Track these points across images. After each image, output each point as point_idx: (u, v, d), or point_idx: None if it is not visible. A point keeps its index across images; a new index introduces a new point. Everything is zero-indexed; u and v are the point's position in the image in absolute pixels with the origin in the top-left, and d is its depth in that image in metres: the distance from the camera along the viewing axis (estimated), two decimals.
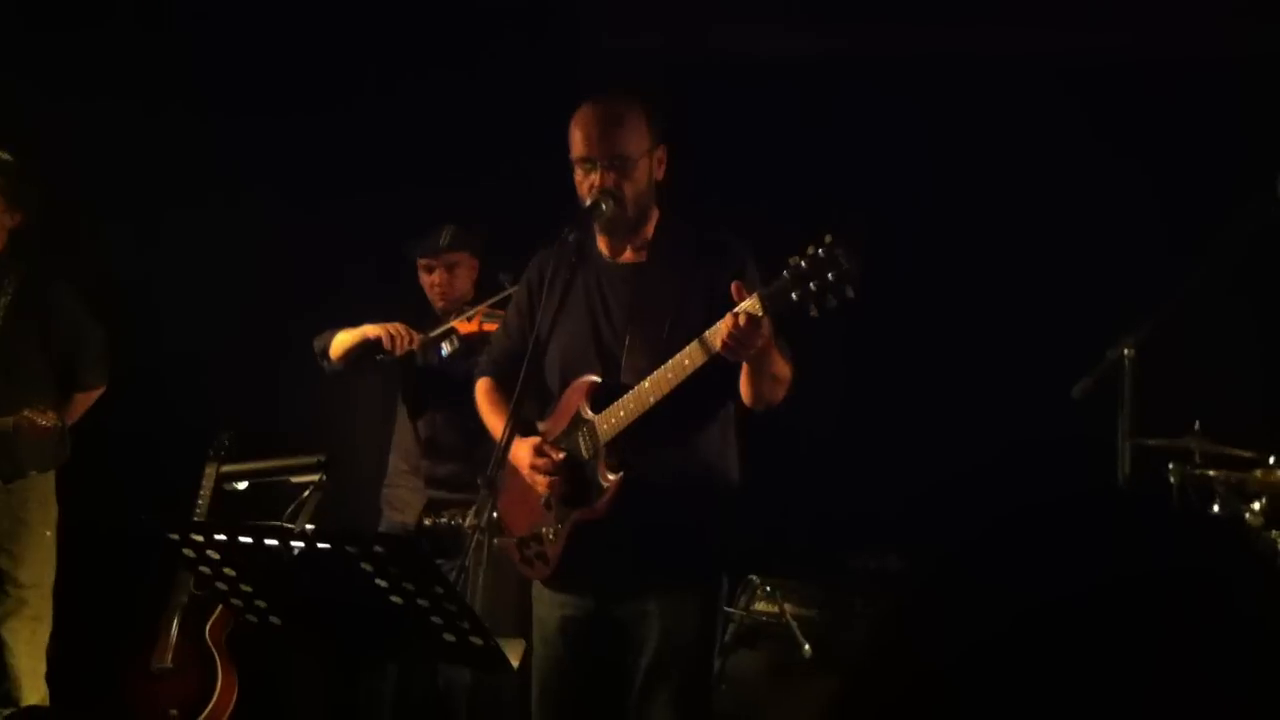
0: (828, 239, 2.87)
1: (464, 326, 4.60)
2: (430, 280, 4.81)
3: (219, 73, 5.52)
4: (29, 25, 5.42)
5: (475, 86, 5.51)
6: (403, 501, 4.74)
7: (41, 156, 4.84)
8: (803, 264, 2.88)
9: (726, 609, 4.47)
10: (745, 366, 3.14)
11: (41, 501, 4.78)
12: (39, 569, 4.76)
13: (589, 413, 3.27)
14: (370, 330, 4.61)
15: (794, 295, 2.89)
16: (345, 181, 5.53)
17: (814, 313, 2.88)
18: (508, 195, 5.13)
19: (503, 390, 3.52)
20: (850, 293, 2.85)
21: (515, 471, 3.32)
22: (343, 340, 4.66)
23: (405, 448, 4.80)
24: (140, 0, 5.55)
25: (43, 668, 4.74)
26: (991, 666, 0.94)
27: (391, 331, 4.55)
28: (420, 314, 4.89)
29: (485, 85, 5.50)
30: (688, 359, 3.08)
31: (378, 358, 4.60)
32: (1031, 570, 0.98)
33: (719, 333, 3.01)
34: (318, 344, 4.74)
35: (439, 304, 4.81)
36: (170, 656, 4.95)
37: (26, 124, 4.94)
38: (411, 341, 4.55)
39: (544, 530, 3.34)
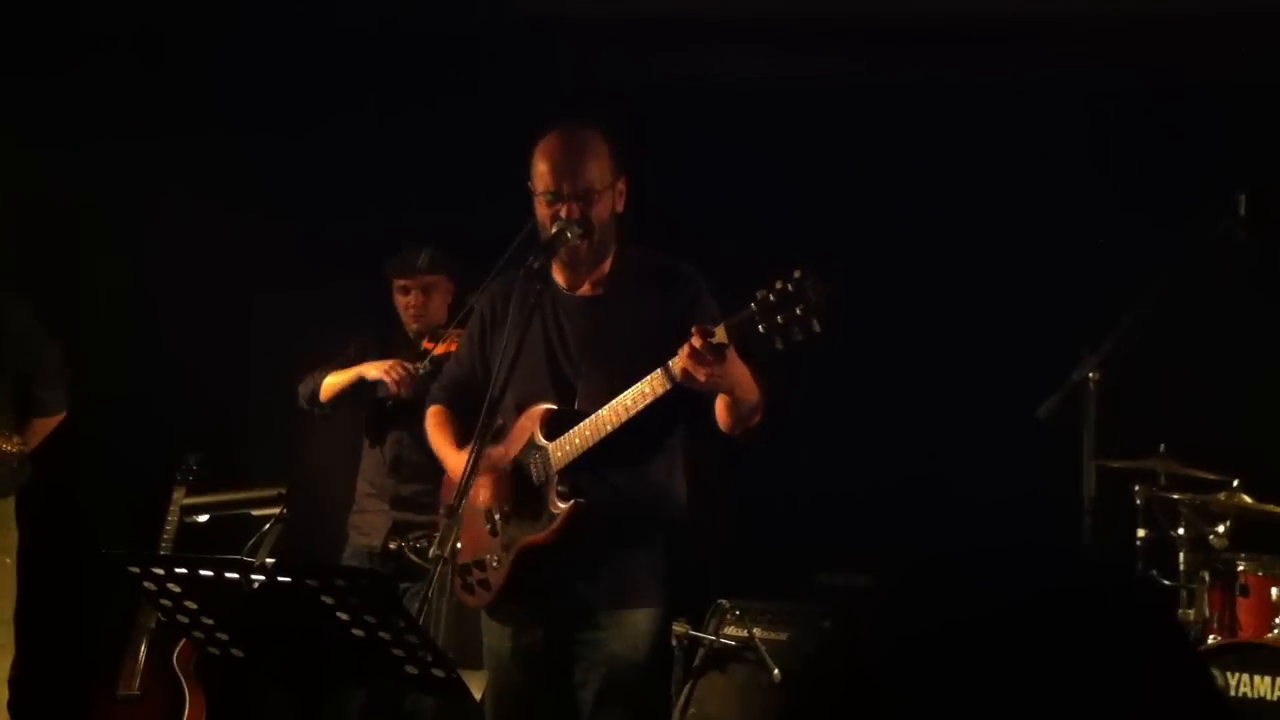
0: (796, 273, 2.87)
1: (437, 349, 4.60)
2: (406, 301, 4.81)
3: (196, 99, 5.51)
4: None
5: (437, 114, 5.51)
6: (369, 525, 4.74)
7: (24, 171, 4.83)
8: (770, 297, 2.87)
9: (695, 633, 4.48)
10: (721, 395, 3.14)
11: (0, 528, 4.74)
12: None
13: (542, 439, 3.27)
14: (368, 371, 4.61)
15: (760, 328, 2.88)
16: (313, 206, 5.53)
17: (779, 345, 2.88)
18: (473, 220, 5.13)
19: (452, 417, 3.52)
20: (817, 327, 2.84)
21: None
22: (334, 382, 4.68)
23: (370, 471, 4.80)
24: (131, 33, 5.52)
25: (4, 695, 4.68)
26: (923, 679, 0.99)
27: (393, 374, 4.54)
28: (388, 334, 4.89)
29: (448, 112, 5.50)
30: (648, 388, 3.08)
31: (388, 405, 4.60)
32: (955, 593, 1.04)
33: (679, 364, 3.01)
34: (304, 389, 4.75)
35: (413, 325, 4.82)
36: (138, 683, 4.92)
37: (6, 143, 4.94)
38: (411, 378, 4.54)
39: (488, 557, 3.33)
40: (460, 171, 5.42)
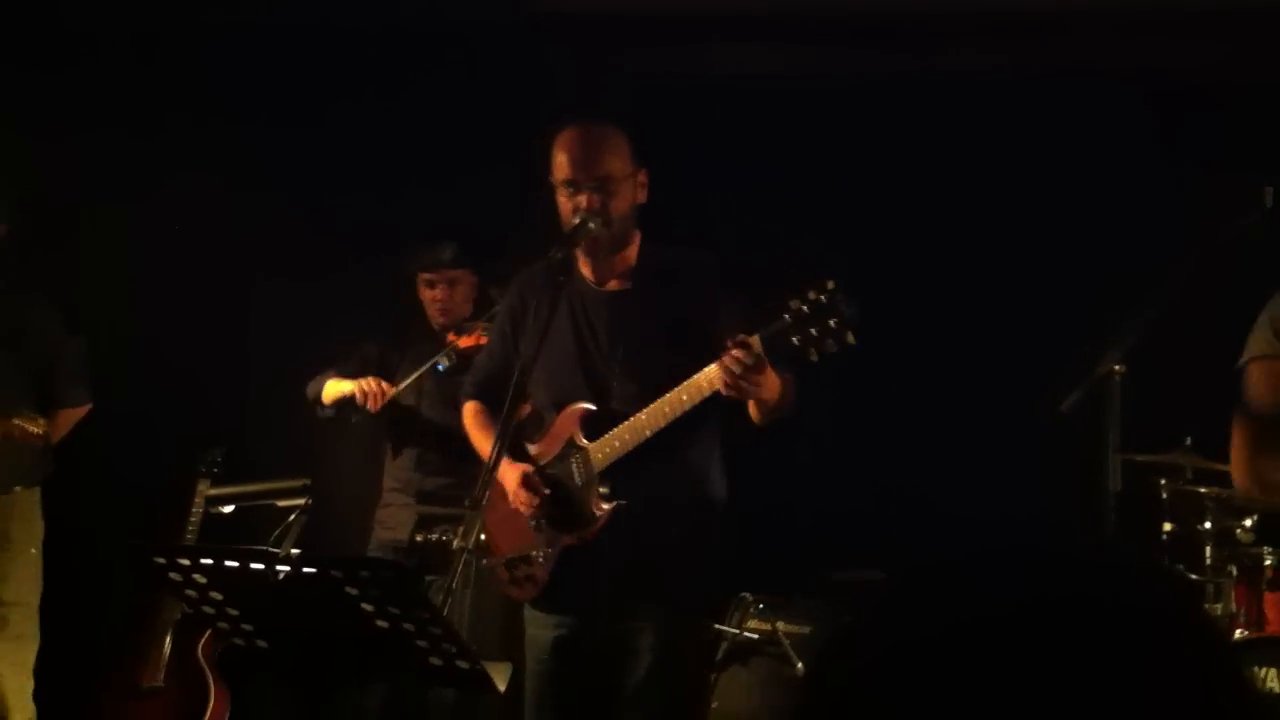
0: (830, 285, 2.89)
1: (462, 342, 4.62)
2: (432, 295, 4.82)
3: (204, 90, 5.52)
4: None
5: (438, 108, 5.50)
6: (394, 520, 4.75)
7: (23, 167, 4.85)
8: (804, 308, 2.90)
9: (719, 626, 4.48)
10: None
11: (26, 518, 4.75)
12: (23, 586, 4.73)
13: (583, 440, 3.30)
14: (346, 386, 4.65)
15: (794, 339, 2.92)
16: (316, 198, 5.53)
17: (814, 357, 2.91)
18: (493, 209, 5.13)
19: (489, 412, 3.55)
20: (851, 339, 2.87)
21: (503, 493, 3.34)
22: (333, 391, 4.71)
23: (395, 468, 4.82)
24: (129, 27, 5.54)
25: (30, 685, 4.70)
26: (922, 685, 1.01)
27: (364, 387, 4.59)
28: (410, 327, 4.90)
29: (462, 101, 5.50)
30: (686, 395, 3.13)
31: (353, 419, 4.65)
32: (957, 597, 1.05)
33: (718, 374, 3.04)
34: (310, 391, 4.78)
35: (439, 320, 4.83)
36: (162, 675, 4.94)
37: (12, 139, 4.96)
38: (383, 396, 4.58)
39: (533, 553, 3.36)
40: (461, 166, 5.42)
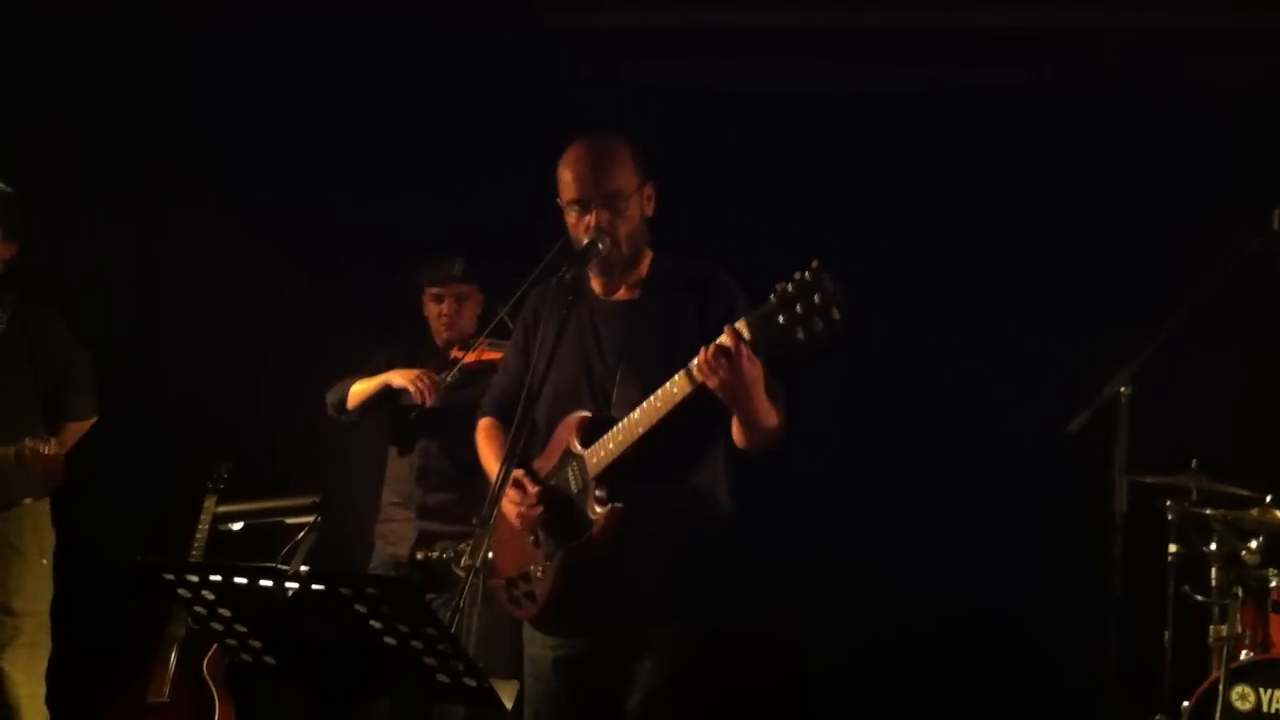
0: (814, 264, 2.87)
1: (467, 358, 4.63)
2: (439, 310, 4.82)
3: (212, 104, 5.54)
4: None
5: (461, 114, 5.52)
6: (395, 534, 4.75)
7: (35, 180, 4.87)
8: (789, 288, 2.87)
9: None
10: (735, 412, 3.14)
11: (36, 529, 4.78)
12: (34, 596, 4.76)
13: (578, 447, 3.27)
14: (394, 379, 4.63)
15: (780, 319, 2.87)
16: (329, 211, 5.54)
17: (801, 336, 2.86)
18: (501, 225, 5.15)
19: (503, 429, 3.53)
20: (836, 315, 2.83)
21: (504, 512, 3.32)
22: (360, 390, 4.70)
23: (396, 480, 4.82)
24: (129, 36, 5.57)
25: (42, 692, 4.74)
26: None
27: (419, 384, 4.56)
28: (417, 342, 4.91)
29: (471, 113, 5.51)
30: (675, 387, 3.07)
31: (411, 416, 4.63)
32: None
33: (695, 362, 3.01)
34: (332, 397, 4.77)
35: (445, 335, 4.83)
36: (167, 690, 4.94)
37: (16, 150, 4.98)
38: (437, 388, 4.57)
39: (532, 568, 3.34)
40: (468, 181, 5.44)
